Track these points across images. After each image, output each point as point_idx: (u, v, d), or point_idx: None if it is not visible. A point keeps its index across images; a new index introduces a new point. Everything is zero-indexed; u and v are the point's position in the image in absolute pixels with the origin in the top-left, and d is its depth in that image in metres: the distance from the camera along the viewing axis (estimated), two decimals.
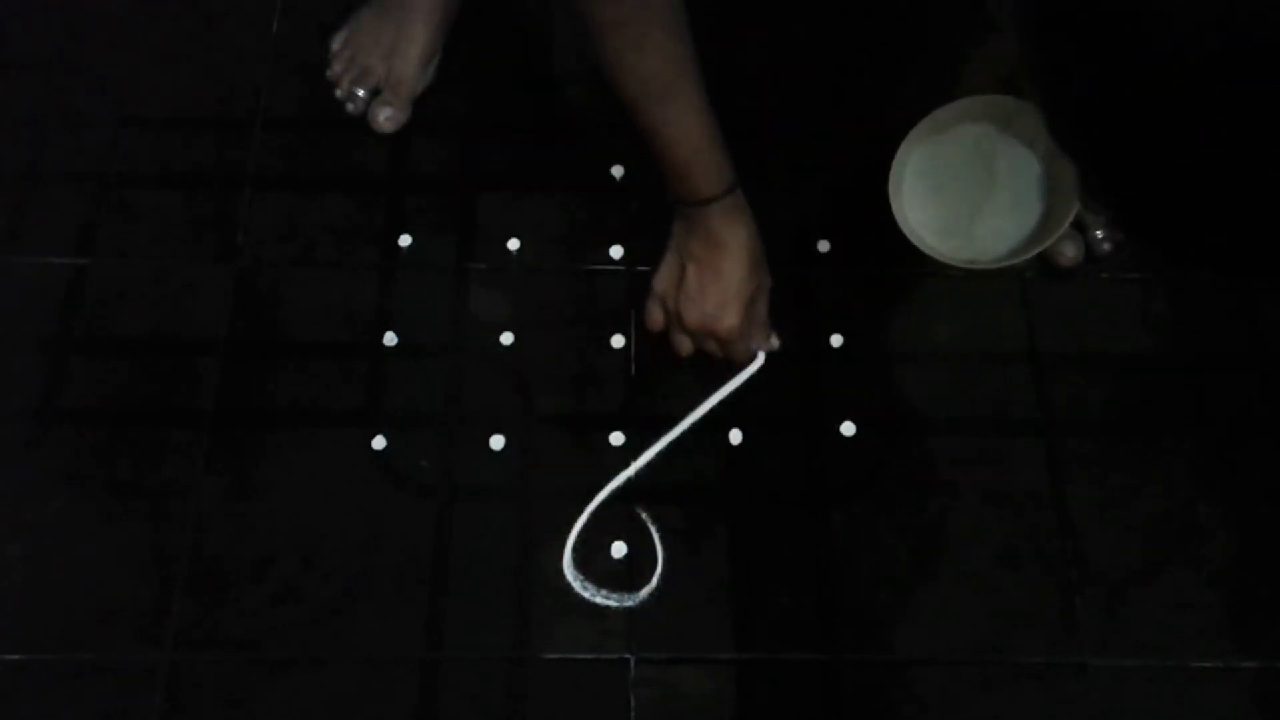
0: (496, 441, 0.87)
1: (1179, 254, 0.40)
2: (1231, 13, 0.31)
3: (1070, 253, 0.90)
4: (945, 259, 0.81)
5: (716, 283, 0.83)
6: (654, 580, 0.83)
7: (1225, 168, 0.33)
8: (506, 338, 0.91)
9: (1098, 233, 0.91)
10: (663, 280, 0.86)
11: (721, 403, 0.89)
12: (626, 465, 0.86)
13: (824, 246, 0.94)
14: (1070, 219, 0.80)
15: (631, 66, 0.76)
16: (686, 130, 0.78)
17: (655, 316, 0.88)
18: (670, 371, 0.90)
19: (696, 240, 0.83)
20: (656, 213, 0.96)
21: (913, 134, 0.82)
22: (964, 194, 0.83)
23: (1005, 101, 0.80)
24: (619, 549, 0.84)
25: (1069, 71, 0.36)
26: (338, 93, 0.99)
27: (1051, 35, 0.36)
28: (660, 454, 0.87)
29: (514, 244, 0.94)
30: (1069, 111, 0.37)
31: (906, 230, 0.82)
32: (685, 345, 0.87)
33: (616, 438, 0.87)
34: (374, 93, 0.99)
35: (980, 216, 0.82)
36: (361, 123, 0.99)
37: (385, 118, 0.98)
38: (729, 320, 0.84)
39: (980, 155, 0.83)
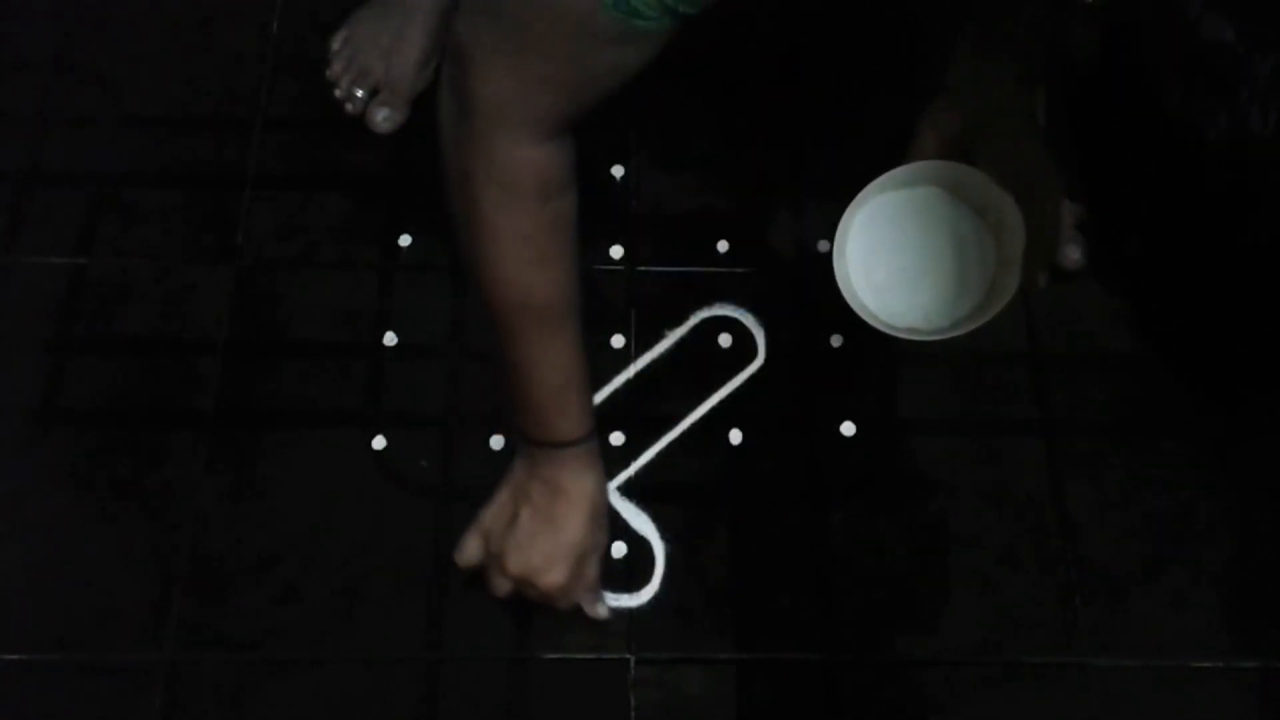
0: (496, 441, 0.87)
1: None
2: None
3: (1074, 255, 0.90)
4: (886, 328, 0.78)
5: (550, 535, 0.75)
6: (654, 580, 0.83)
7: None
8: None
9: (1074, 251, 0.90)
10: (491, 517, 0.77)
11: (721, 403, 0.89)
12: (626, 465, 0.86)
13: (824, 247, 0.94)
14: (1014, 291, 0.76)
15: (528, 286, 0.67)
16: (562, 362, 0.71)
17: (470, 551, 0.77)
18: (670, 371, 0.90)
19: (537, 484, 0.75)
20: (657, 213, 0.96)
21: (860, 196, 0.80)
22: (909, 258, 0.80)
23: (955, 168, 0.77)
24: (619, 549, 0.84)
25: None
26: (337, 92, 0.99)
27: None
28: (660, 454, 0.87)
29: None
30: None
31: (848, 295, 0.78)
32: (503, 588, 0.77)
33: (616, 438, 0.87)
34: (372, 93, 0.99)
35: (924, 281, 0.80)
36: (361, 122, 0.99)
37: (383, 118, 0.98)
38: (553, 578, 0.75)
39: (928, 220, 0.81)
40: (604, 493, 0.78)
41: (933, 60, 0.79)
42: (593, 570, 0.78)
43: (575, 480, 0.75)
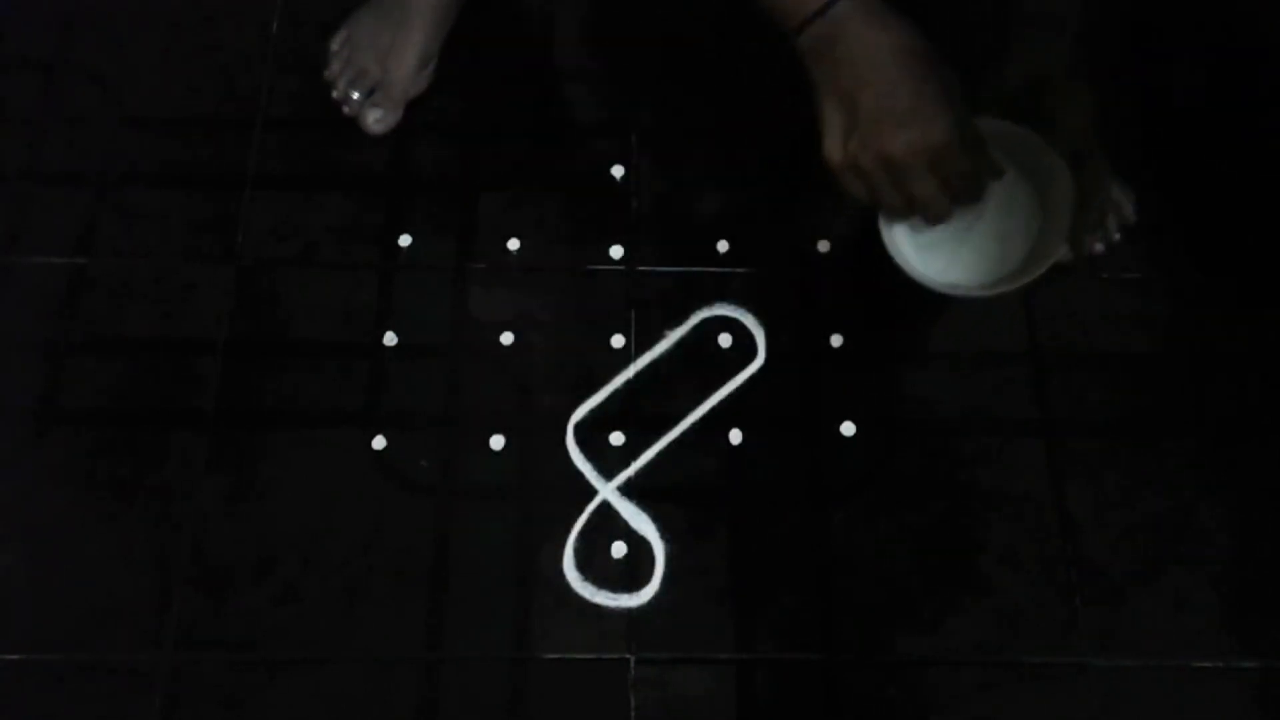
0: (496, 441, 0.87)
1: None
2: None
3: (1115, 231, 0.89)
4: (929, 283, 0.78)
5: (897, 88, 0.65)
6: (654, 580, 0.83)
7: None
8: (506, 338, 0.91)
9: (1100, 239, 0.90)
10: (832, 140, 0.68)
11: (721, 403, 0.89)
12: (626, 465, 0.86)
13: (824, 247, 0.94)
14: (1057, 256, 0.76)
15: None
16: None
17: (857, 188, 0.70)
18: (670, 371, 0.90)
19: (842, 68, 0.65)
20: (657, 213, 0.96)
21: None
22: (954, 214, 0.81)
23: (1007, 127, 0.77)
24: (619, 549, 0.84)
25: None
26: (334, 93, 0.99)
27: None
28: (660, 454, 0.87)
29: (514, 244, 0.94)
30: None
31: (892, 249, 0.78)
32: (904, 192, 0.68)
33: (616, 438, 0.87)
34: (369, 93, 0.99)
35: (969, 238, 0.80)
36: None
37: (374, 119, 0.98)
38: (939, 123, 0.65)
39: None
40: (913, 23, 0.66)
41: (989, 26, 0.78)
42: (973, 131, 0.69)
43: (874, 28, 0.66)
